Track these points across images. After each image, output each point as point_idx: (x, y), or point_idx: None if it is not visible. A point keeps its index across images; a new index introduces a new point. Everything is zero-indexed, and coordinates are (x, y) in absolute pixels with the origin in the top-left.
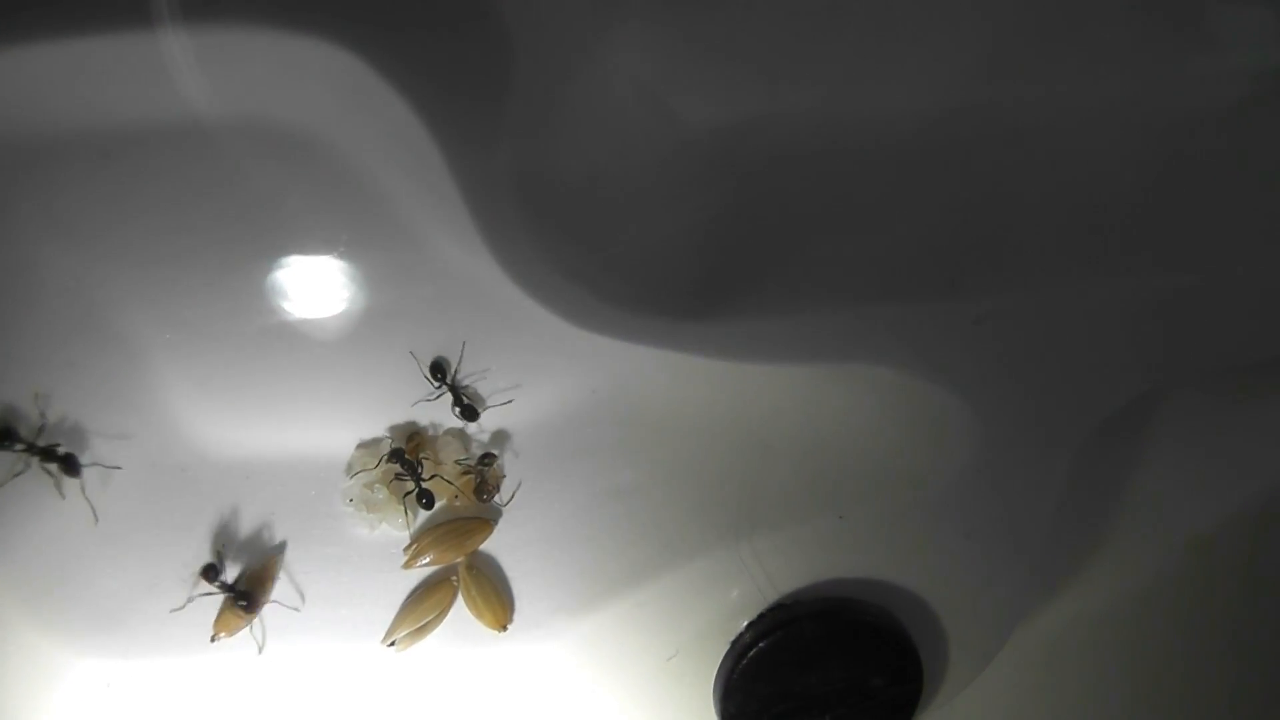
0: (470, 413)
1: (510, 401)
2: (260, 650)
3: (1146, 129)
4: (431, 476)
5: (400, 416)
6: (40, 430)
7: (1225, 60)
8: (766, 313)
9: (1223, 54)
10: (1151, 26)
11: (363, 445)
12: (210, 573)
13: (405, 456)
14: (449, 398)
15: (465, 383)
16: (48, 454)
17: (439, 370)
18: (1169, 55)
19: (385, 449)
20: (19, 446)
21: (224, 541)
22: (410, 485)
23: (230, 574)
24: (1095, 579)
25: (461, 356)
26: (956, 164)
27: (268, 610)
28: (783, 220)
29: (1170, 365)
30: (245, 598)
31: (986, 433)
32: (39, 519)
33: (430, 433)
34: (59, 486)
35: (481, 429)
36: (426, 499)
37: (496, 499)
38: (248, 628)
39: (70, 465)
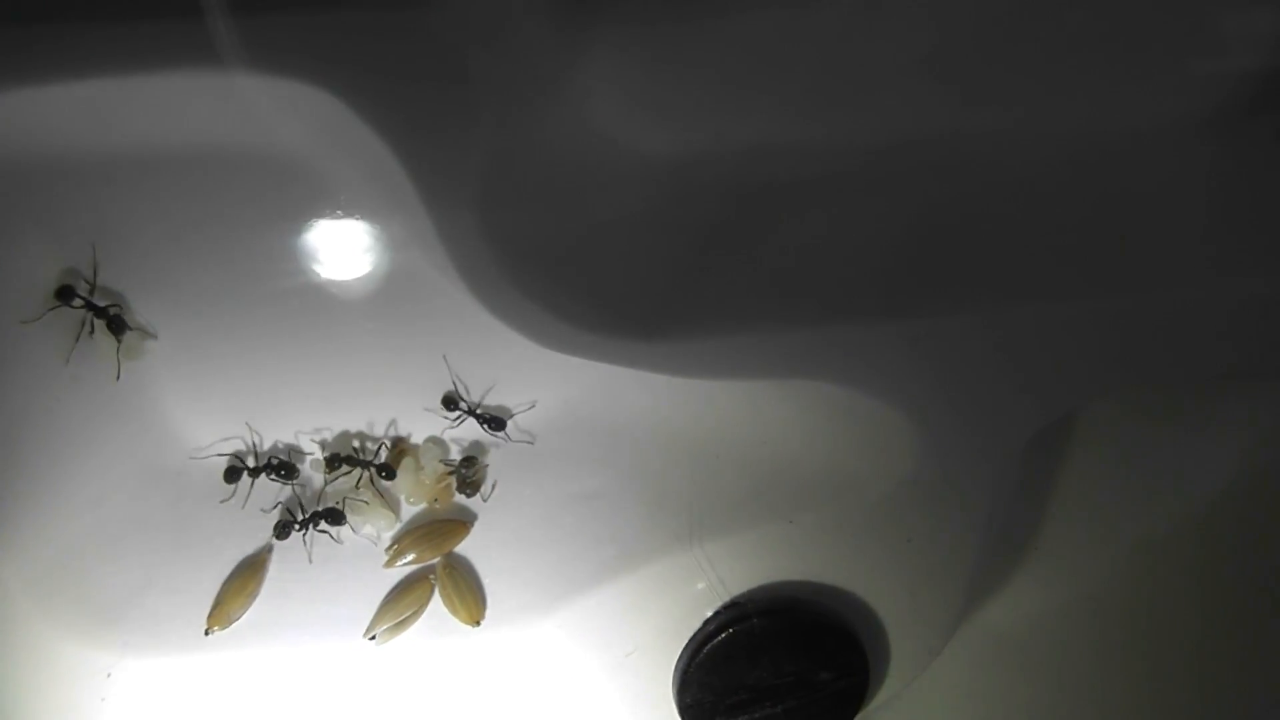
0: (497, 423)
1: (533, 405)
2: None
3: (1076, 159)
4: (379, 461)
5: (383, 425)
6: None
7: (1164, 95)
8: (720, 333)
9: (1160, 90)
10: (1090, 62)
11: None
12: (282, 529)
13: (341, 456)
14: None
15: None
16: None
17: (452, 402)
18: (1105, 91)
19: (371, 456)
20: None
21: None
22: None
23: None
24: (1038, 579)
25: (452, 374)
26: (904, 198)
27: (256, 607)
28: (734, 246)
29: (1102, 381)
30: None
31: (925, 444)
32: (47, 521)
33: (412, 440)
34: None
35: (462, 436)
36: (386, 471)
37: (480, 495)
38: (239, 620)
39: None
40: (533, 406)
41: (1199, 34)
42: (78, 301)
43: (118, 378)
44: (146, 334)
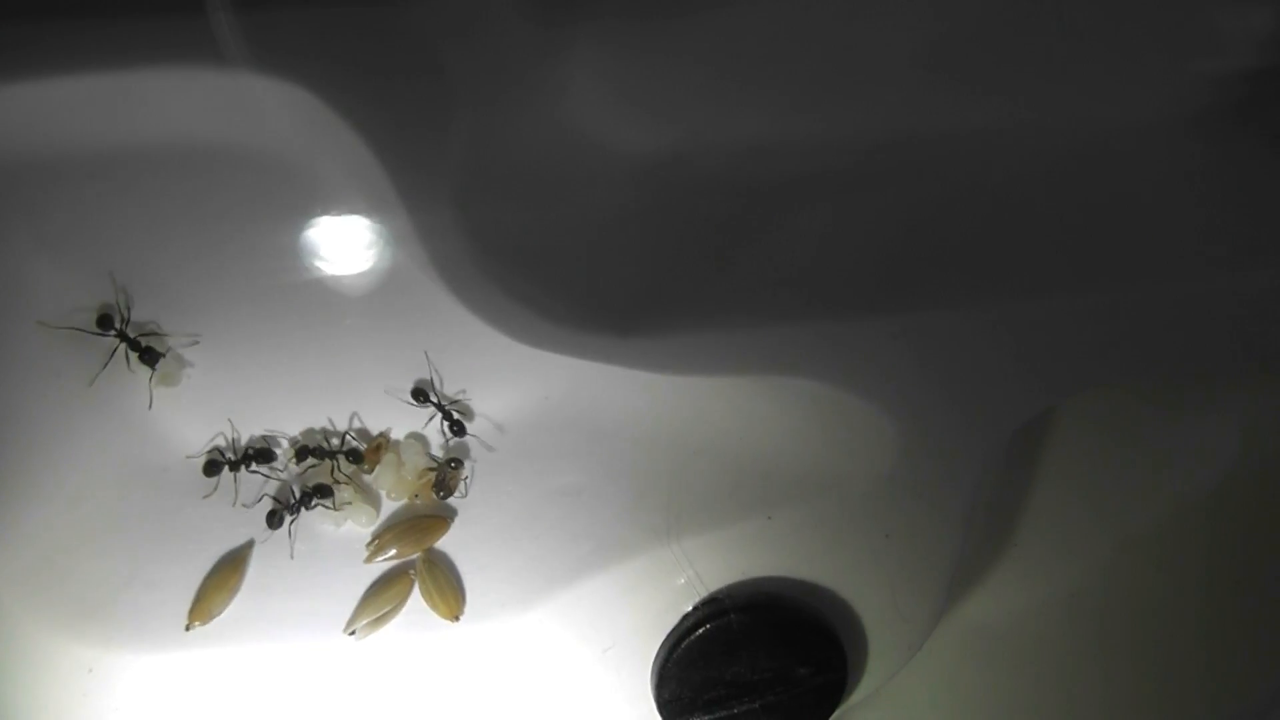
0: (459, 428)
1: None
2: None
3: (1067, 156)
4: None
5: (364, 421)
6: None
7: (1157, 93)
8: (699, 329)
9: (1153, 88)
10: (1083, 59)
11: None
12: (273, 517)
13: (310, 448)
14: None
15: (452, 398)
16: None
17: (421, 394)
18: (1099, 88)
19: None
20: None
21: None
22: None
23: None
24: (1020, 575)
25: (431, 369)
26: (886, 193)
27: (237, 603)
28: (714, 243)
29: (1086, 377)
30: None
31: (905, 439)
32: (27, 516)
33: (393, 435)
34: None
35: (446, 433)
36: (354, 455)
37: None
38: (219, 616)
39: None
40: (503, 421)
41: (1193, 32)
42: (112, 331)
43: (149, 406)
44: (182, 361)
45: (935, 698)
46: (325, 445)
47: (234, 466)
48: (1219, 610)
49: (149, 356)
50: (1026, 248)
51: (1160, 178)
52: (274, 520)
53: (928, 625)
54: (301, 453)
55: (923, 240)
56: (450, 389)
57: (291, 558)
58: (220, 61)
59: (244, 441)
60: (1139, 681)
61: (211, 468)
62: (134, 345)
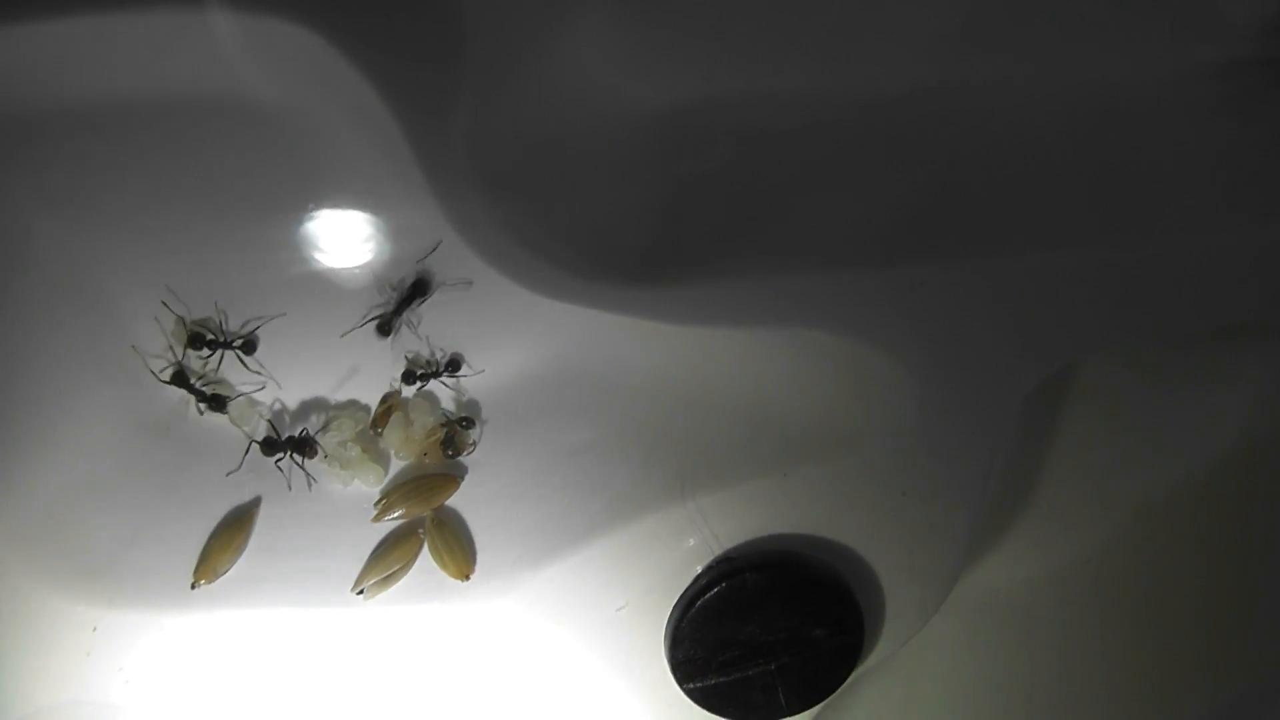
0: (409, 378)
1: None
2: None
3: (1087, 111)
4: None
5: (373, 379)
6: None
7: (1171, 50)
8: (714, 280)
9: (1172, 46)
10: (1109, 15)
11: (338, 406)
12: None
13: (204, 338)
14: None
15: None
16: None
17: (410, 376)
18: (1120, 42)
19: (358, 411)
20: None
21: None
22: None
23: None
24: (1035, 541)
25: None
26: (902, 145)
27: (243, 562)
28: (730, 193)
29: (1103, 335)
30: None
31: (922, 396)
32: (32, 472)
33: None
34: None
35: (458, 391)
36: (248, 347)
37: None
38: (225, 574)
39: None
40: (513, 376)
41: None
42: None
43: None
44: (254, 401)
45: (950, 662)
46: (210, 333)
47: (280, 447)
48: (1233, 578)
49: (217, 404)
50: (1046, 201)
51: (1183, 131)
52: (410, 379)
53: (945, 586)
54: (195, 339)
55: (942, 192)
56: (460, 342)
57: (289, 488)
58: (224, 4)
59: (259, 393)
60: (1156, 650)
61: (269, 446)
62: (200, 396)
